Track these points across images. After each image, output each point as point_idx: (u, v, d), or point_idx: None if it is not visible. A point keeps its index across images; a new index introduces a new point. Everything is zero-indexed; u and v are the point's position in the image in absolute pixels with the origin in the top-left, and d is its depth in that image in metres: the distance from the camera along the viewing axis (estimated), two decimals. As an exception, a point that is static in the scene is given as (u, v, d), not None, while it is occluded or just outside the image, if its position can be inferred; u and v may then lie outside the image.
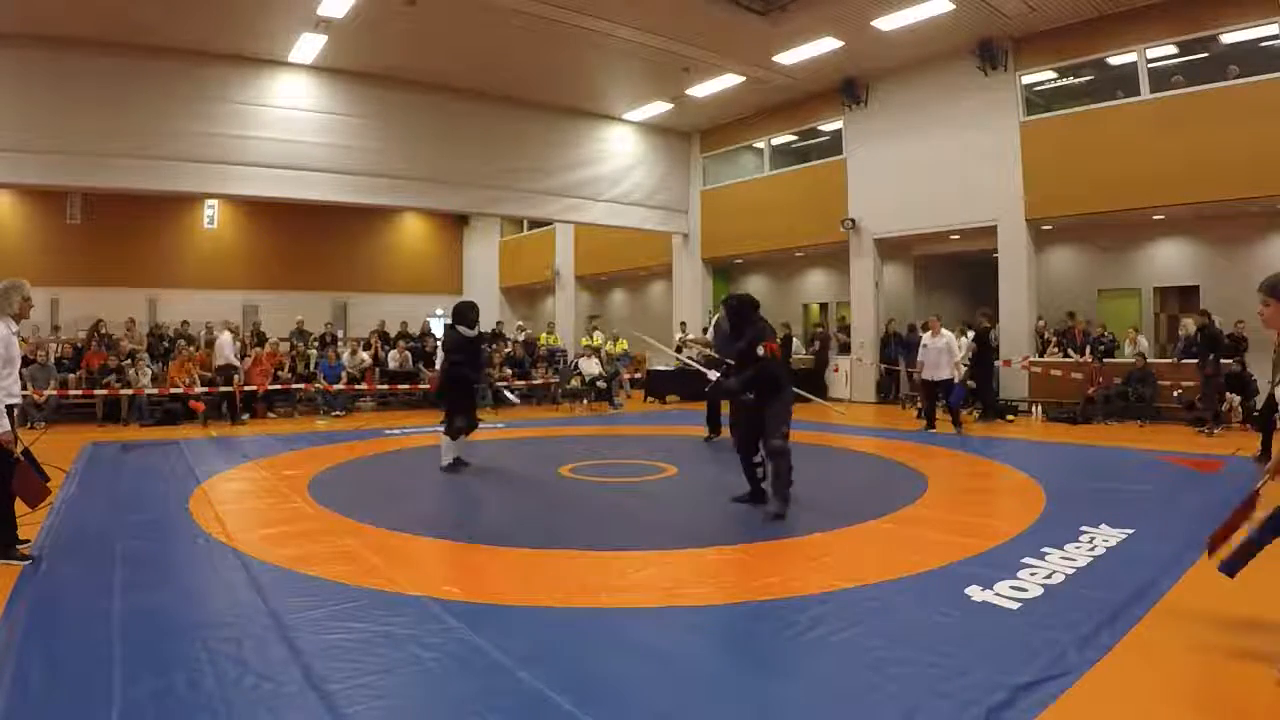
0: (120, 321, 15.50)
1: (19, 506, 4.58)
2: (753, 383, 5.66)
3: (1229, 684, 2.95)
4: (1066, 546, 4.63)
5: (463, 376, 7.50)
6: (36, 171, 12.32)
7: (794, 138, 17.66)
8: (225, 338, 13.10)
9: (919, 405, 12.04)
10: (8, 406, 4.42)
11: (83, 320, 15.34)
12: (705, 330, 11.49)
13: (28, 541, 4.68)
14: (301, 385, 13.85)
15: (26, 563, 4.31)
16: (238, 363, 13.00)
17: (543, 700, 2.76)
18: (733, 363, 5.94)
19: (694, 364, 7.64)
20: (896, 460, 8.30)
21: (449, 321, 7.78)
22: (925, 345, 10.86)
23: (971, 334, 12.04)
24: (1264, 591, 3.84)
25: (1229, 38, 11.28)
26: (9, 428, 4.39)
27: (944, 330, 10.92)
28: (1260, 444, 7.88)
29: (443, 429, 7.72)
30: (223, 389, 12.68)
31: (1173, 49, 11.80)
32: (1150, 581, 3.99)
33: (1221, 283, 12.48)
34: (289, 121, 13.77)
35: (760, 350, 5.59)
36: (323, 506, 6.07)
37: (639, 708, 2.78)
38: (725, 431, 9.00)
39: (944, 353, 10.69)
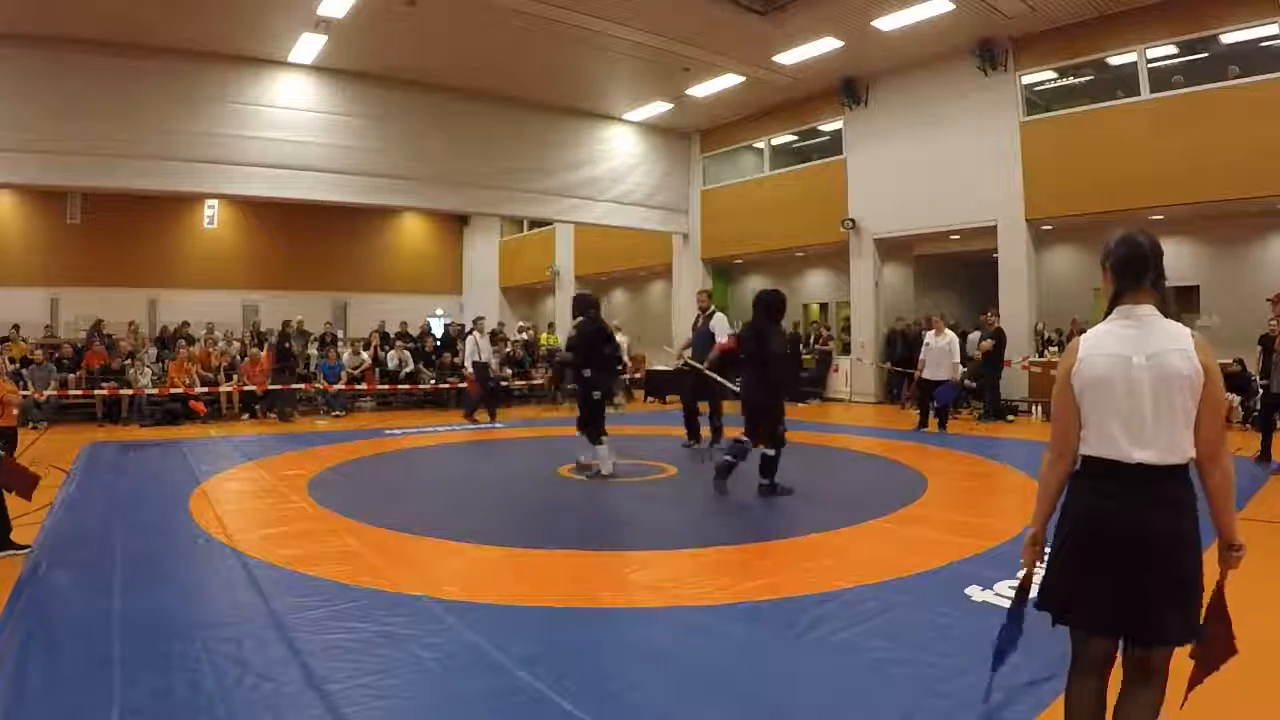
0: (120, 321, 15.48)
1: (21, 505, 4.53)
2: None
3: (1229, 683, 2.95)
4: (1066, 546, 4.63)
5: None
6: (36, 171, 12.29)
7: (794, 138, 17.63)
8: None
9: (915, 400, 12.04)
10: None
11: (83, 320, 15.32)
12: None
13: (28, 548, 4.64)
14: (301, 385, 13.84)
15: (26, 550, 4.16)
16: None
17: (543, 700, 2.76)
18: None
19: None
20: (896, 460, 8.30)
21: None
22: (928, 344, 10.82)
23: (977, 333, 12.02)
24: (1264, 591, 3.83)
25: (1229, 38, 11.25)
26: None
27: (947, 330, 10.87)
28: (1260, 444, 7.88)
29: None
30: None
31: (1173, 49, 11.78)
32: (1150, 581, 3.98)
33: (1221, 283, 12.46)
34: (289, 121, 13.72)
35: None
36: (323, 506, 6.07)
37: (639, 708, 2.78)
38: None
39: (945, 353, 10.63)
